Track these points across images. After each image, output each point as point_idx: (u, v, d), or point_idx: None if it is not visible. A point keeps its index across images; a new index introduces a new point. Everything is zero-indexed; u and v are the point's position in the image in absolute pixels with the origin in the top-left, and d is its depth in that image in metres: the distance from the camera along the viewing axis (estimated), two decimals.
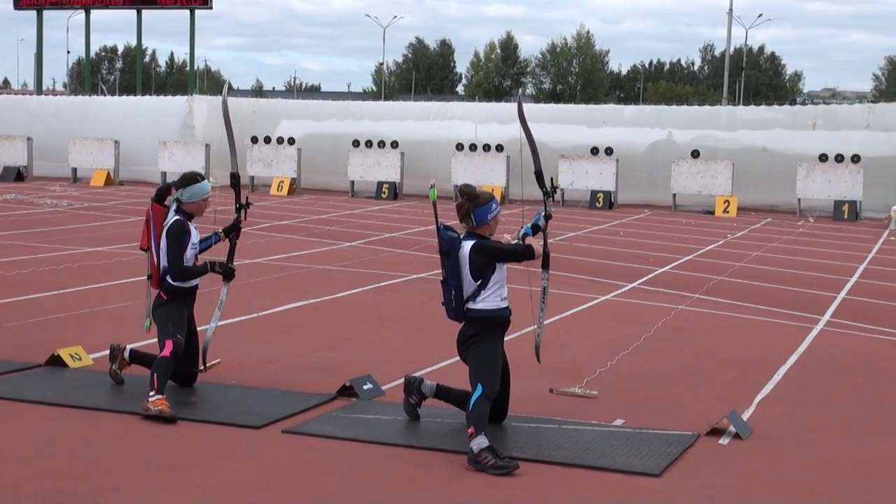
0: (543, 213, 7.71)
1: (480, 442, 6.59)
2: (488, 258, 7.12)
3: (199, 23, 56.32)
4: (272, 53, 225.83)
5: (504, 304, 7.21)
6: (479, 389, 6.86)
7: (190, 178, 8.05)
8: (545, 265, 7.86)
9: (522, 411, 7.74)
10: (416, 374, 7.90)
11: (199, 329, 8.37)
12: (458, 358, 7.41)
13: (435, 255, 7.58)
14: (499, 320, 7.20)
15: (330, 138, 30.80)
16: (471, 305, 7.18)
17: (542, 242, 7.58)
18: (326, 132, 31.14)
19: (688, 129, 28.62)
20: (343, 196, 28.72)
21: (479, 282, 7.12)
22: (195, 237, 8.03)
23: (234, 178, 8.34)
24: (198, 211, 8.06)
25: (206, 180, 8.14)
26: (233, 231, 8.27)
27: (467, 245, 7.15)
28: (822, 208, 26.28)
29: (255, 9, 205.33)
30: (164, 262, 7.97)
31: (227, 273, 8.27)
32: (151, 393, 7.45)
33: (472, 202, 7.17)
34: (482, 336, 7.11)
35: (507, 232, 7.51)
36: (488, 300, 7.15)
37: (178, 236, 7.90)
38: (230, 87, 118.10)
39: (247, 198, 8.33)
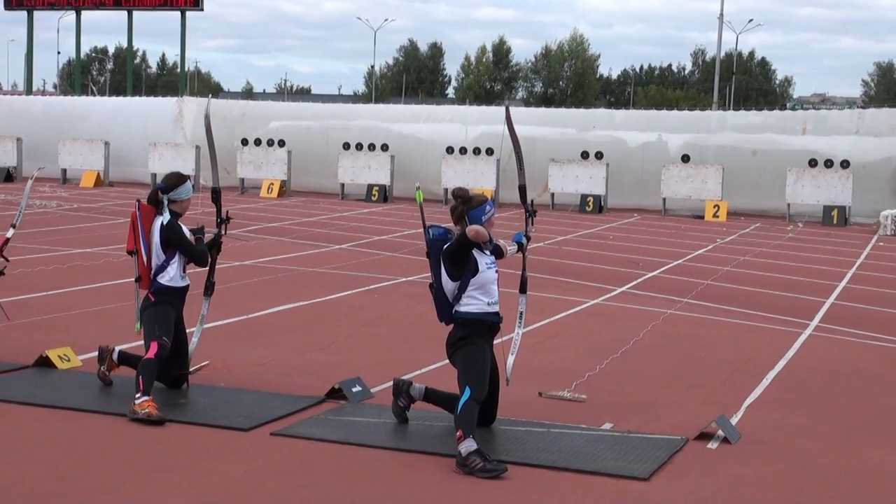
0: (524, 233, 7.73)
1: (469, 445, 6.59)
2: (448, 257, 7.13)
3: (190, 24, 56.31)
4: (262, 55, 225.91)
5: (491, 309, 7.19)
6: (468, 393, 6.86)
7: (180, 178, 8.14)
8: (523, 290, 7.87)
9: (511, 414, 7.74)
10: (405, 377, 7.90)
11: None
12: (446, 361, 7.41)
13: (424, 258, 7.58)
14: (486, 324, 7.19)
15: (320, 140, 30.78)
16: (456, 308, 7.19)
17: (522, 267, 7.67)
18: (317, 134, 31.10)
19: (678, 134, 28.65)
20: (333, 198, 28.70)
21: (457, 283, 7.13)
22: (187, 232, 8.09)
23: (215, 194, 8.38)
24: (184, 210, 8.17)
25: (189, 179, 8.27)
26: (213, 246, 8.30)
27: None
28: (811, 213, 26.33)
29: (246, 10, 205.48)
30: (155, 262, 8.00)
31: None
32: (137, 395, 7.46)
33: (465, 204, 7.17)
34: (470, 339, 7.11)
35: (502, 237, 7.51)
36: (472, 303, 7.15)
37: (179, 230, 7.99)
38: (220, 90, 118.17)
39: (226, 212, 8.39)
